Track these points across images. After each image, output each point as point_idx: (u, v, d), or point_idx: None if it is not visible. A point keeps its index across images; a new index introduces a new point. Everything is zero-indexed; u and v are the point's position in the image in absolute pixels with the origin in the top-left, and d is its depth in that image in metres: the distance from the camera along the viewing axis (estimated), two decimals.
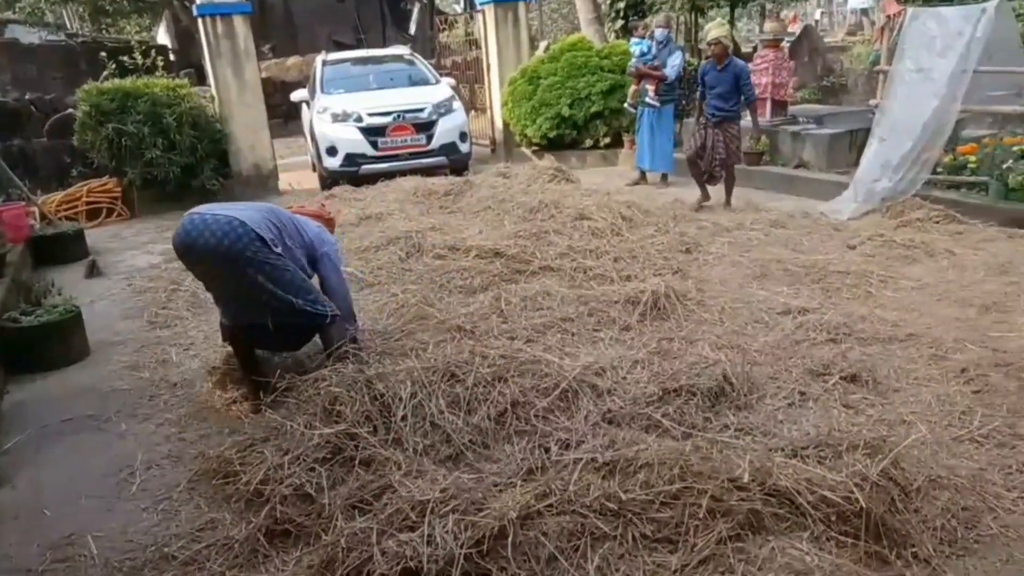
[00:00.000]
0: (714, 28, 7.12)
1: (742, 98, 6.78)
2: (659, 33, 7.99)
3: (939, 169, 6.57)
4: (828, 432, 2.78)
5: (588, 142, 10.03)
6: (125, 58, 9.76)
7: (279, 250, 3.35)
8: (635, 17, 11.37)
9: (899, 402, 3.24)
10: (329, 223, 4.07)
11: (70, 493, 3.09)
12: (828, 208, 6.67)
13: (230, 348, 3.80)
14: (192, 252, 3.31)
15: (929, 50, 6.31)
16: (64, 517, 2.93)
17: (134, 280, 6.07)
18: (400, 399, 3.05)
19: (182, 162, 8.53)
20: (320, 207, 4.29)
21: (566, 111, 9.71)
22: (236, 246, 3.21)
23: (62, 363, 4.40)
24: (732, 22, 11.45)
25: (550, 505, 2.46)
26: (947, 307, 4.30)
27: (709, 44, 6.92)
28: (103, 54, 9.61)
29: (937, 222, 5.93)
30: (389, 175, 8.49)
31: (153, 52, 10.33)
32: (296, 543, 2.56)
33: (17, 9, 19.89)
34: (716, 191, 7.14)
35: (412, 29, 22.30)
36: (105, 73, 9.12)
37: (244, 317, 3.54)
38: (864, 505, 2.34)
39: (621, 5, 11.74)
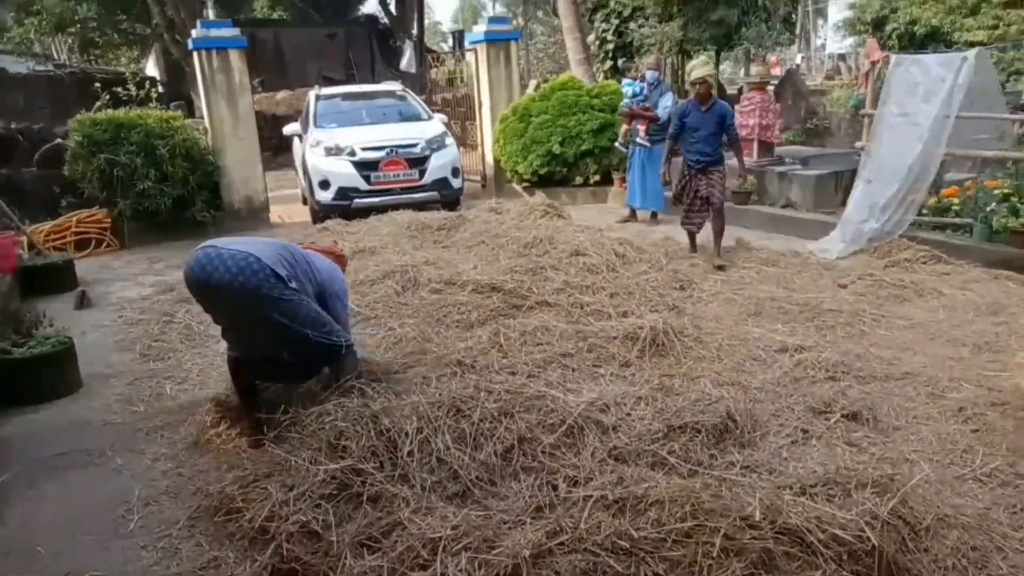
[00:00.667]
0: (699, 67, 6.73)
1: (724, 139, 6.50)
2: (650, 75, 8.18)
3: (924, 211, 6.73)
4: (835, 470, 2.79)
5: (578, 179, 10.16)
6: (119, 89, 9.77)
7: (294, 285, 3.34)
8: (624, 58, 11.63)
9: (900, 440, 3.28)
10: (341, 260, 4.05)
11: (65, 530, 3.02)
12: (817, 247, 6.79)
13: (230, 380, 3.75)
14: (206, 287, 3.27)
15: (913, 95, 6.51)
16: (59, 555, 2.85)
17: (125, 312, 6.01)
18: (406, 434, 3.03)
19: (174, 194, 8.51)
20: (333, 244, 4.29)
21: (557, 148, 9.85)
22: (251, 281, 3.19)
23: (54, 396, 4.33)
24: (716, 64, 11.74)
25: (562, 543, 2.45)
26: (940, 346, 4.37)
27: (693, 83, 6.51)
28: (97, 85, 9.60)
29: (924, 262, 6.06)
30: (381, 209, 8.52)
31: (147, 84, 10.35)
32: None
33: (5, 39, 19.95)
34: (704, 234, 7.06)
35: (404, 65, 22.61)
36: (98, 104, 9.13)
37: (256, 351, 3.51)
38: (876, 544, 2.35)
39: (610, 47, 12.02)
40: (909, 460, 3.08)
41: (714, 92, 6.68)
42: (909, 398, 3.68)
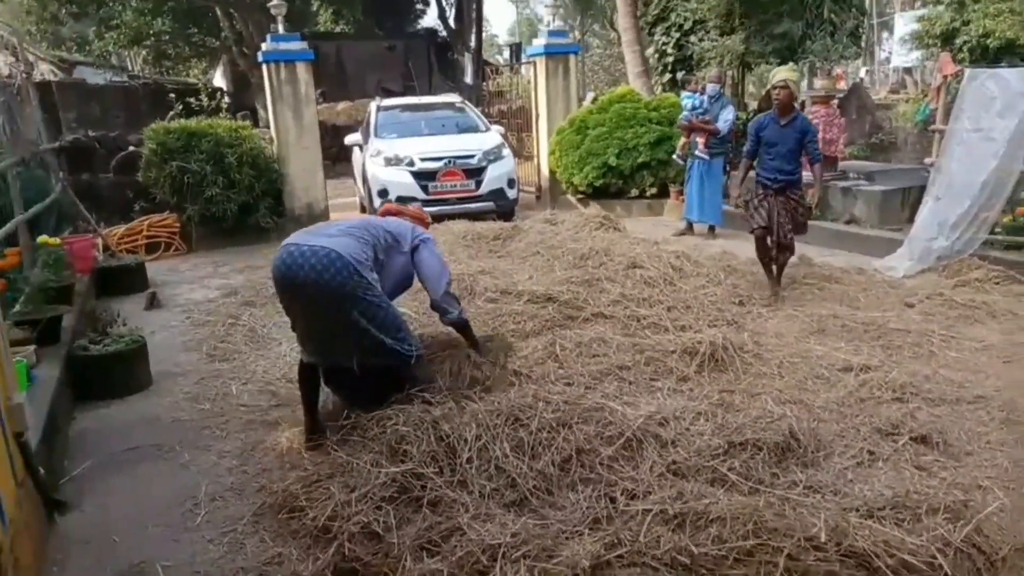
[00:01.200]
0: (783, 70, 5.92)
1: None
2: (711, 88, 8.10)
3: (997, 229, 6.48)
4: (904, 494, 2.71)
5: (634, 192, 10.11)
6: (191, 99, 10.17)
7: (375, 276, 3.42)
8: (683, 72, 11.54)
9: (973, 466, 3.16)
10: (424, 223, 4.13)
11: (136, 521, 3.14)
12: (882, 265, 6.60)
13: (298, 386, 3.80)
14: (292, 283, 3.36)
15: (988, 110, 6.29)
16: (132, 545, 2.97)
17: (192, 313, 6.22)
18: (465, 441, 3.06)
19: (240, 200, 8.80)
20: (418, 208, 4.34)
21: (613, 161, 9.82)
22: (336, 279, 3.27)
23: (126, 392, 4.51)
24: None
25: (620, 556, 2.44)
26: (1015, 370, 4.20)
27: (775, 87, 5.70)
28: (171, 95, 10.02)
29: (997, 283, 5.82)
30: (438, 219, 8.63)
31: (218, 94, 10.75)
32: None
33: (87, 52, 20.98)
34: None
35: (468, 78, 22.89)
36: (172, 113, 9.52)
37: (331, 356, 3.56)
38: (949, 572, 2.28)
39: (669, 60, 11.93)
40: (982, 487, 2.96)
41: (797, 102, 5.92)
42: (982, 422, 3.54)
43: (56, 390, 3.91)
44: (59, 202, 7.68)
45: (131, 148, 9.66)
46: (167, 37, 21.01)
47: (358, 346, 3.43)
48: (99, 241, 7.65)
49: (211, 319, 5.93)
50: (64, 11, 19.51)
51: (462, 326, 4.08)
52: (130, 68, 24.52)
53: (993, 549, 2.42)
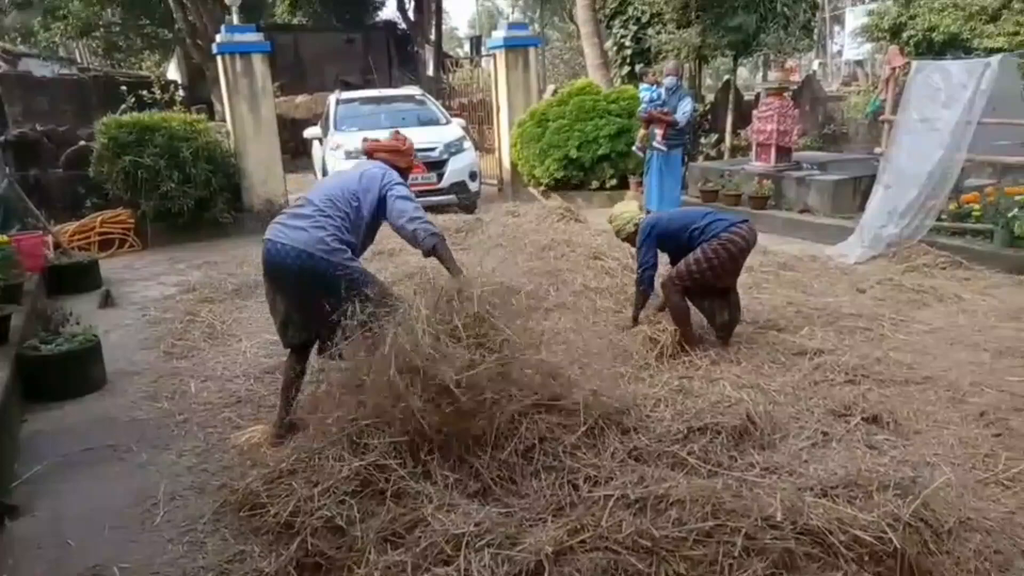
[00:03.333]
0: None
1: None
2: (669, 80, 8.18)
3: (944, 216, 6.69)
4: (856, 472, 2.79)
5: (594, 183, 10.18)
6: (144, 92, 9.92)
7: (347, 254, 3.46)
8: (641, 64, 11.64)
9: (921, 444, 3.27)
10: (407, 153, 3.93)
11: (93, 524, 3.08)
12: (835, 252, 6.77)
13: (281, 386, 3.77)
14: (278, 274, 3.49)
15: (934, 101, 6.49)
16: (88, 548, 2.91)
17: (148, 311, 6.09)
18: (424, 434, 3.06)
19: (196, 195, 8.62)
20: (395, 135, 4.08)
21: (574, 153, 9.88)
22: (315, 272, 3.37)
23: (80, 392, 4.40)
24: (734, 70, 11.73)
25: (583, 541, 2.47)
26: (961, 351, 4.35)
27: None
28: (123, 88, 9.76)
29: (944, 268, 6.03)
30: None
31: (171, 87, 10.50)
32: None
33: (32, 43, 20.29)
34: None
35: (429, 71, 22.73)
36: (124, 106, 9.27)
37: (304, 335, 3.61)
38: (898, 546, 2.36)
39: (627, 52, 12.03)
40: (930, 464, 3.08)
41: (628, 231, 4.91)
42: (930, 402, 3.67)
43: (4, 392, 3.79)
44: (5, 198, 7.44)
45: (82, 142, 9.39)
46: (117, 28, 20.45)
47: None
48: (49, 238, 7.42)
49: (168, 316, 5.81)
50: (7, 0, 18.83)
51: (441, 251, 3.64)
52: (79, 60, 23.81)
53: (940, 522, 2.51)
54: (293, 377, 3.69)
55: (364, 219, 3.63)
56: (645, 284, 4.66)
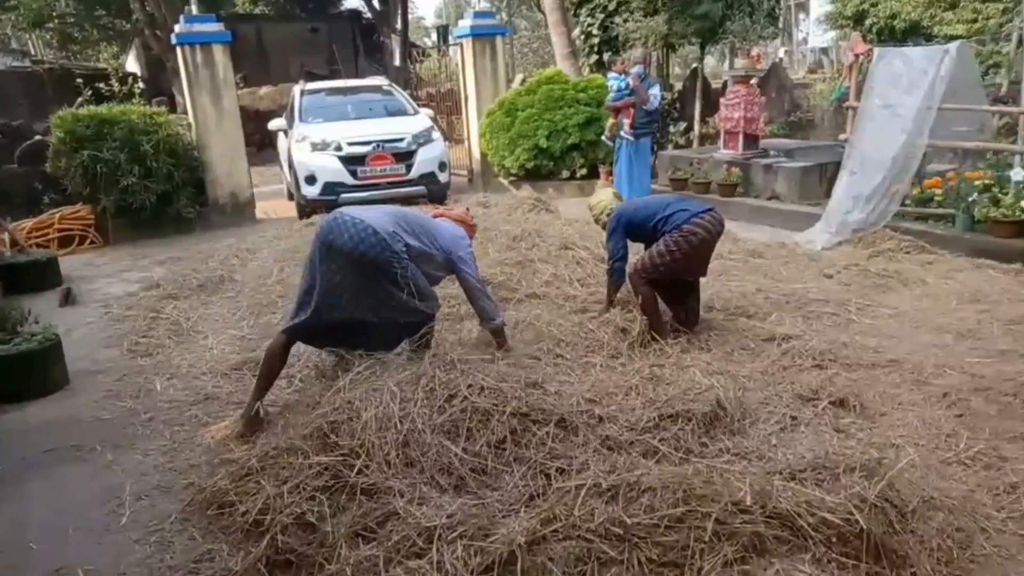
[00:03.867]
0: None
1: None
2: (637, 69, 8.19)
3: (907, 201, 6.81)
4: (824, 455, 2.83)
5: (565, 173, 10.19)
6: (101, 85, 9.67)
7: (406, 258, 3.61)
8: (609, 52, 11.65)
9: (887, 426, 3.33)
10: (471, 229, 4.29)
11: (56, 526, 3.01)
12: (802, 238, 6.86)
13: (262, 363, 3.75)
14: (331, 246, 3.56)
15: (896, 88, 6.58)
16: (52, 551, 2.84)
17: (111, 308, 5.95)
18: (396, 427, 3.03)
19: (158, 189, 8.43)
20: (464, 212, 4.44)
21: (543, 143, 9.87)
22: (370, 253, 3.51)
23: (41, 393, 4.29)
24: (701, 58, 11.80)
25: (555, 530, 2.46)
26: (925, 334, 4.43)
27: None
28: (80, 80, 9.49)
29: (908, 252, 6.14)
30: (368, 204, 8.48)
31: (130, 79, 10.25)
32: (299, 573, 2.52)
33: None
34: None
35: (396, 61, 22.50)
36: (80, 100, 9.03)
37: (349, 313, 3.62)
38: (864, 527, 2.39)
39: (595, 41, 12.03)
40: (895, 445, 3.13)
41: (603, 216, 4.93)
42: (895, 385, 3.73)
43: None
44: None
45: (37, 137, 9.13)
46: (72, 19, 19.88)
47: (383, 305, 3.62)
48: (5, 236, 7.22)
49: (131, 314, 5.69)
50: None
51: (499, 331, 4.15)
52: (32, 52, 23.14)
53: (904, 502, 2.56)
54: (277, 362, 3.68)
55: (436, 253, 3.85)
56: (616, 275, 4.66)
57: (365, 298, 3.61)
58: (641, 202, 4.90)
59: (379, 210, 3.86)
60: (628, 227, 4.57)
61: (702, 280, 4.71)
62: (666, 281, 4.42)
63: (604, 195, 5.05)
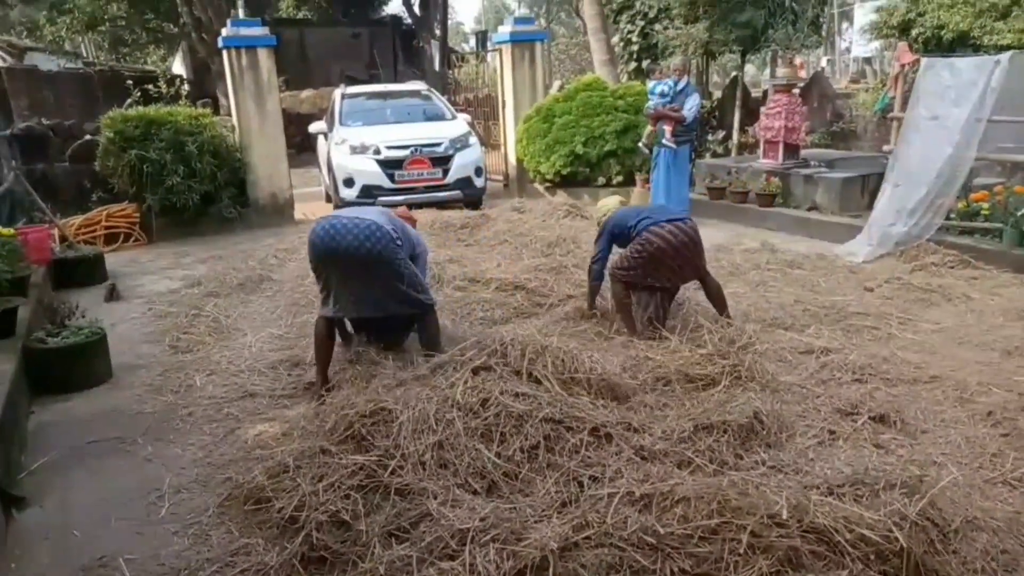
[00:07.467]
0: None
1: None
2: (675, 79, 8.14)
3: (952, 215, 6.65)
4: (863, 471, 2.78)
5: (601, 180, 10.15)
6: (150, 86, 9.92)
7: (401, 247, 3.95)
8: (648, 60, 11.60)
9: (928, 443, 3.25)
10: (413, 223, 4.59)
11: (99, 515, 3.09)
12: (843, 250, 6.73)
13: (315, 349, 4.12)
14: (335, 251, 3.82)
15: (943, 99, 6.44)
16: (95, 539, 2.92)
17: (154, 304, 6.10)
18: (432, 430, 3.06)
19: (201, 190, 8.63)
20: (404, 210, 4.76)
21: (580, 149, 9.85)
22: (377, 247, 3.80)
23: (86, 385, 4.41)
24: (742, 66, 11.68)
25: (588, 537, 2.46)
26: (969, 350, 4.32)
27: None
28: (129, 82, 9.77)
29: (952, 267, 5.99)
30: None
31: (177, 81, 10.50)
32: (332, 570, 2.55)
33: (38, 37, 20.33)
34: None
35: (435, 66, 22.70)
36: (129, 100, 9.28)
37: (365, 310, 4.06)
38: (904, 545, 2.34)
39: (635, 48, 11.99)
40: (937, 463, 3.06)
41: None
42: (937, 401, 3.65)
43: (12, 384, 3.81)
44: (12, 192, 7.46)
45: (87, 136, 9.40)
46: (123, 22, 20.46)
47: (391, 298, 3.97)
48: (56, 232, 7.44)
49: (174, 310, 5.81)
50: None
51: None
52: (84, 54, 23.84)
53: (946, 521, 2.50)
54: (326, 338, 4.06)
55: (407, 246, 4.13)
56: (594, 275, 4.91)
57: (374, 296, 3.95)
58: (631, 210, 5.06)
59: (367, 210, 4.19)
60: (613, 232, 4.80)
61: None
62: (643, 284, 4.57)
63: (611, 201, 5.19)
